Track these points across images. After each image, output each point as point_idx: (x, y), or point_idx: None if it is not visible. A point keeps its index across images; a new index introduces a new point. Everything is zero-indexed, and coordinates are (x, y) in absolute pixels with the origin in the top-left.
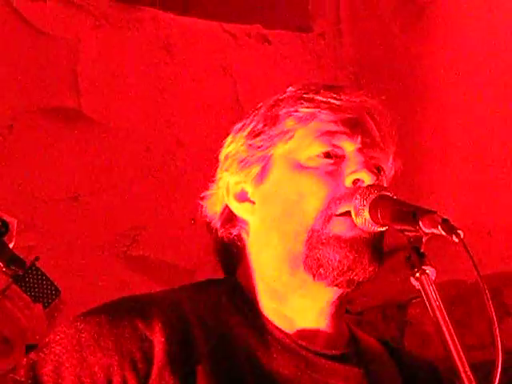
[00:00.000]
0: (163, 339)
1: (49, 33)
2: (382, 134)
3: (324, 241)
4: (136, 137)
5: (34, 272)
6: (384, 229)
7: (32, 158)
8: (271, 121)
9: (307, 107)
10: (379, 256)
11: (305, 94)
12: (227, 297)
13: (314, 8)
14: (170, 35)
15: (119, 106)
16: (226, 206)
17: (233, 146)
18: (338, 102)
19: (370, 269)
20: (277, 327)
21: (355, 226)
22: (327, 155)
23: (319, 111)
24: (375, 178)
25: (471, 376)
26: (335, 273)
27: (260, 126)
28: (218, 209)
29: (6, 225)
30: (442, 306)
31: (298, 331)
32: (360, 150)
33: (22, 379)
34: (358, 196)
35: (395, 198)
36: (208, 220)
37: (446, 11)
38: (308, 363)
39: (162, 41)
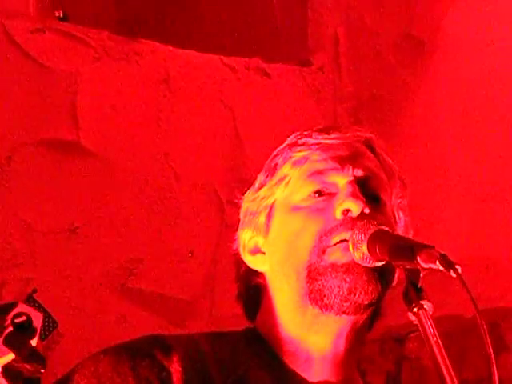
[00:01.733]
0: (181, 369)
1: (48, 65)
2: (382, 163)
3: (322, 271)
4: (134, 170)
5: (32, 304)
6: (382, 263)
7: (30, 190)
8: (271, 171)
9: (300, 151)
10: (379, 276)
11: (299, 139)
12: (245, 342)
13: (314, 42)
14: (169, 68)
15: (118, 138)
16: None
17: (245, 204)
18: (328, 141)
19: (370, 288)
20: (295, 372)
21: (349, 250)
22: (318, 193)
23: (311, 153)
24: (362, 205)
25: None
26: (338, 299)
27: (263, 177)
28: (244, 267)
29: (30, 321)
30: (439, 341)
31: (316, 372)
32: (351, 182)
33: None
34: (356, 231)
35: (393, 232)
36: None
37: (445, 46)
38: None
39: (161, 73)
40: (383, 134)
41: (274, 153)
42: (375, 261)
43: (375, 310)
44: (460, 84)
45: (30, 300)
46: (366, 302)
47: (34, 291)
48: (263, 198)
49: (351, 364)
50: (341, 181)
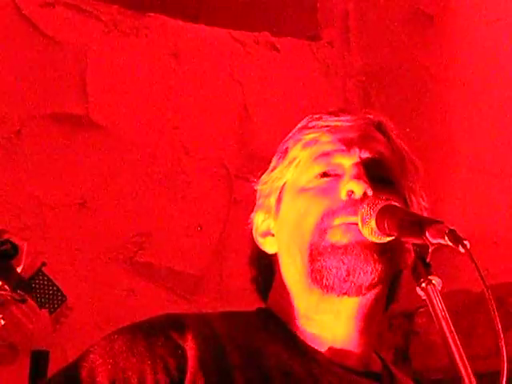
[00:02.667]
0: (195, 347)
1: (58, 39)
2: (392, 146)
3: (322, 251)
4: (143, 143)
5: (41, 278)
6: (390, 239)
7: (39, 164)
8: (283, 153)
9: (309, 133)
10: (379, 256)
11: (309, 122)
12: (259, 320)
13: (323, 16)
14: (179, 42)
15: (127, 112)
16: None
17: (259, 186)
18: (338, 124)
19: (370, 269)
20: (308, 345)
21: (350, 232)
22: (324, 175)
23: (320, 135)
24: (365, 186)
25: None
26: (337, 279)
27: (275, 160)
28: (255, 249)
29: (15, 248)
30: (447, 316)
31: (330, 349)
32: (356, 164)
33: None
34: (364, 206)
35: (402, 208)
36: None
37: (455, 21)
38: (342, 380)
39: (171, 48)
40: (392, 108)
41: (288, 136)
42: (384, 236)
43: (390, 292)
44: (469, 59)
45: (39, 274)
46: (367, 284)
47: (43, 265)
48: (274, 180)
49: (368, 346)
50: (347, 162)
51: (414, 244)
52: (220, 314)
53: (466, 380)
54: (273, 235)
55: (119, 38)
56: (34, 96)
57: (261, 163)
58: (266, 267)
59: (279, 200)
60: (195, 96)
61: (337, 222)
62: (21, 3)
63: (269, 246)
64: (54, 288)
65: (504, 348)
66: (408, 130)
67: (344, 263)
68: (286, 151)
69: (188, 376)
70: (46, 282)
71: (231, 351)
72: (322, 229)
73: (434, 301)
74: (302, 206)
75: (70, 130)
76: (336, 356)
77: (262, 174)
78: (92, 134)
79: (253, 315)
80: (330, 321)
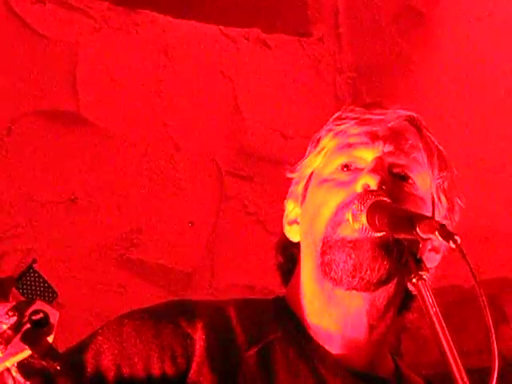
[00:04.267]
0: (204, 337)
1: (48, 36)
2: (423, 142)
3: (332, 244)
4: (134, 140)
5: (32, 274)
6: (381, 234)
7: (30, 161)
8: (314, 143)
9: (340, 124)
10: (388, 252)
11: (343, 113)
12: (273, 311)
13: (314, 12)
14: (169, 38)
15: (117, 109)
16: None
17: (293, 175)
18: (367, 116)
19: (377, 265)
20: (319, 344)
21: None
22: (346, 167)
23: (349, 126)
24: (379, 179)
25: (467, 382)
26: (344, 274)
27: (309, 149)
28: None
29: (46, 318)
30: (438, 312)
31: (339, 347)
32: (378, 158)
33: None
34: (355, 201)
35: (392, 204)
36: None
37: (445, 17)
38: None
39: (161, 44)
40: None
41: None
42: (375, 232)
43: (404, 299)
44: (459, 55)
45: (30, 270)
46: (375, 280)
47: (34, 262)
48: (304, 169)
49: (377, 346)
50: (369, 156)
51: (404, 239)
52: (236, 301)
53: (457, 375)
54: (298, 223)
55: (110, 35)
56: (24, 93)
57: (251, 159)
58: (290, 255)
59: (306, 188)
60: (186, 92)
61: (349, 215)
62: (12, 0)
63: (293, 234)
64: (45, 285)
65: (495, 343)
66: None
67: (351, 258)
68: (318, 141)
69: (194, 365)
70: (36, 279)
71: (242, 344)
72: (335, 222)
73: (425, 296)
74: (320, 197)
75: (61, 126)
76: (344, 356)
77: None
78: (83, 131)
79: (269, 305)
80: (339, 316)
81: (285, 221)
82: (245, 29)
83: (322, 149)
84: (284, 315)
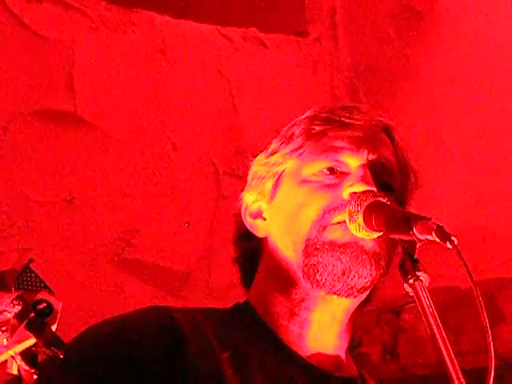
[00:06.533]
0: (187, 340)
1: (44, 35)
2: (397, 153)
3: (319, 247)
4: (131, 139)
5: (28, 274)
6: (378, 235)
7: (26, 161)
8: (287, 139)
9: (319, 124)
10: (377, 261)
11: (320, 113)
12: (238, 317)
13: (311, 12)
14: (166, 38)
15: (114, 108)
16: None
17: (254, 167)
18: (348, 120)
19: (365, 272)
20: (287, 345)
21: (350, 231)
22: (331, 170)
23: (329, 129)
24: (369, 189)
25: (464, 382)
26: (330, 278)
27: (277, 144)
28: (242, 228)
29: (50, 307)
30: (435, 312)
31: (309, 350)
32: (364, 166)
33: None
34: (352, 202)
35: (389, 204)
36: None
37: (442, 17)
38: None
39: (158, 44)
40: (379, 104)
41: (293, 122)
42: (371, 232)
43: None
44: (457, 55)
45: (26, 270)
46: (359, 286)
47: (31, 261)
48: (274, 165)
49: (345, 350)
50: (354, 162)
51: (401, 240)
52: (201, 309)
53: (454, 376)
54: (264, 219)
55: (106, 35)
56: (20, 92)
57: (249, 159)
58: (251, 250)
59: (276, 185)
60: (183, 92)
61: (337, 219)
62: None
63: (258, 229)
64: (42, 285)
65: (492, 344)
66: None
67: (341, 262)
68: (290, 137)
69: (179, 361)
70: (33, 279)
71: (216, 346)
72: (321, 224)
73: (422, 297)
74: (303, 198)
75: (58, 126)
76: (313, 357)
77: (258, 154)
78: (79, 131)
79: (233, 312)
80: (312, 319)
81: (246, 213)
82: (242, 28)
83: (298, 148)
84: (250, 319)
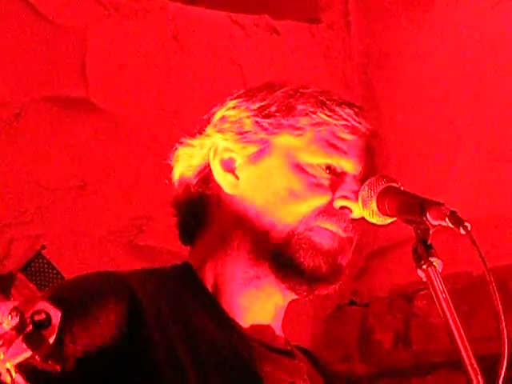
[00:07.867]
0: (142, 301)
1: (57, 22)
2: (373, 161)
3: (304, 246)
4: (143, 126)
5: (41, 260)
6: (391, 220)
7: (39, 147)
8: (286, 110)
9: (326, 114)
10: (344, 273)
11: (327, 100)
12: (181, 281)
13: None
14: (179, 25)
15: (127, 95)
16: (207, 166)
17: (235, 112)
18: (355, 124)
19: (333, 285)
20: (231, 317)
21: (334, 241)
22: (329, 169)
23: (335, 124)
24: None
25: (477, 368)
26: (298, 277)
27: (273, 108)
28: (195, 163)
29: (49, 318)
30: (448, 298)
31: (249, 322)
32: (356, 178)
33: None
34: (365, 187)
35: (403, 190)
36: (181, 170)
37: (456, 4)
38: (260, 354)
39: (171, 31)
40: (392, 92)
41: (290, 90)
42: (384, 217)
43: None
44: (470, 41)
45: (38, 257)
46: (321, 293)
47: (43, 248)
48: (265, 130)
49: (279, 326)
50: (350, 170)
51: (414, 225)
52: (141, 272)
53: (467, 362)
54: (237, 177)
55: (119, 21)
56: (33, 79)
57: None
58: (199, 196)
59: (263, 152)
60: (195, 79)
61: (328, 226)
62: None
63: (226, 184)
64: (54, 271)
65: (505, 330)
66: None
67: (318, 267)
68: (291, 109)
69: (144, 332)
70: (45, 265)
71: (168, 313)
72: (310, 224)
73: (435, 283)
74: (297, 186)
75: (70, 112)
76: (252, 329)
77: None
78: (92, 117)
79: (173, 272)
80: (258, 300)
81: (214, 155)
82: (254, 15)
83: (298, 128)
84: (193, 284)
